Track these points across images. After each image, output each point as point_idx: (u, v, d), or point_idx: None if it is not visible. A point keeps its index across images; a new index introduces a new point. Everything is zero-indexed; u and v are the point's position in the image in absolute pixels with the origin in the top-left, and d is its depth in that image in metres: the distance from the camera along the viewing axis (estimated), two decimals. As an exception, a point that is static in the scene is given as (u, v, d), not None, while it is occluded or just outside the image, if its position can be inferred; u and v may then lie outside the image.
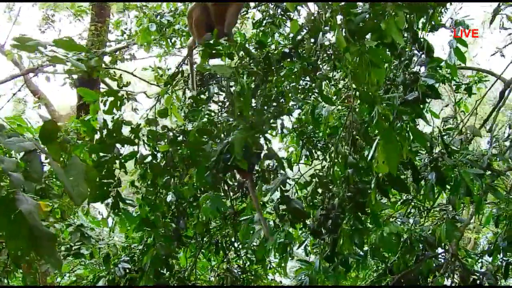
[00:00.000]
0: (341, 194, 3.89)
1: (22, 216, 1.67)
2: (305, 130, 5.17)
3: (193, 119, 4.17)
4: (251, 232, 4.32)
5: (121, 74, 5.26)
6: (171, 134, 4.05)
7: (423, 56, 3.89)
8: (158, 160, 4.07)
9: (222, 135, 3.93)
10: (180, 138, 4.03)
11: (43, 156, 1.89)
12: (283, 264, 4.72)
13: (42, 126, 1.95)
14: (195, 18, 4.15)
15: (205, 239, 5.18)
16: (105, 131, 3.77)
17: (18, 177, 1.74)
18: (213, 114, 4.43)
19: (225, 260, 5.52)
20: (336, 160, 4.09)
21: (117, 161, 3.85)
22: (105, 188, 3.85)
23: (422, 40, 3.86)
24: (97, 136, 3.84)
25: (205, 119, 3.97)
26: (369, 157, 3.37)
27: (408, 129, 3.58)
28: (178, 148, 3.99)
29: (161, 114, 4.12)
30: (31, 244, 1.69)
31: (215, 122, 4.02)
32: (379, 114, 3.18)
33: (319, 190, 4.18)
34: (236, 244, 5.48)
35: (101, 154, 3.80)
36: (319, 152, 5.45)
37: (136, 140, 3.95)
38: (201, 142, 3.84)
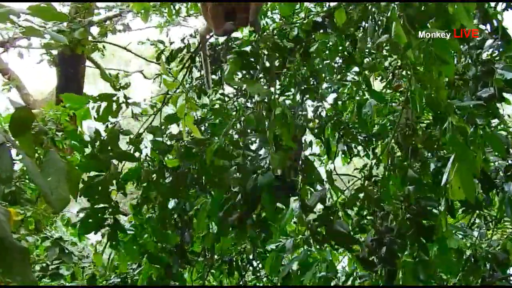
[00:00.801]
0: (400, 216, 3.76)
1: (-13, 227, 1.59)
2: (342, 119, 5.09)
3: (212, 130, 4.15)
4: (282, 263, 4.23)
5: (118, 73, 5.24)
6: (181, 145, 3.99)
7: (497, 41, 3.79)
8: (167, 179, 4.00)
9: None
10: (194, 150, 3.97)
11: (14, 152, 1.86)
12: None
13: (12, 114, 1.88)
14: (212, 4, 4.16)
15: (215, 256, 5.12)
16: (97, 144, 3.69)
17: (-18, 179, 1.70)
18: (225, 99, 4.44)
19: (241, 282, 5.45)
20: (390, 173, 3.99)
21: (114, 181, 3.74)
22: (99, 215, 3.74)
23: (495, 21, 3.77)
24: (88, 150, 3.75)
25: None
26: (442, 181, 3.21)
27: (482, 134, 3.49)
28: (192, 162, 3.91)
29: (170, 120, 4.09)
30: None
31: (235, 142, 4.00)
32: (453, 128, 3.06)
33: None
34: (254, 263, 5.45)
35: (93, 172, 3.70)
36: (360, 147, 5.39)
37: (137, 154, 3.90)
38: (221, 168, 3.81)
